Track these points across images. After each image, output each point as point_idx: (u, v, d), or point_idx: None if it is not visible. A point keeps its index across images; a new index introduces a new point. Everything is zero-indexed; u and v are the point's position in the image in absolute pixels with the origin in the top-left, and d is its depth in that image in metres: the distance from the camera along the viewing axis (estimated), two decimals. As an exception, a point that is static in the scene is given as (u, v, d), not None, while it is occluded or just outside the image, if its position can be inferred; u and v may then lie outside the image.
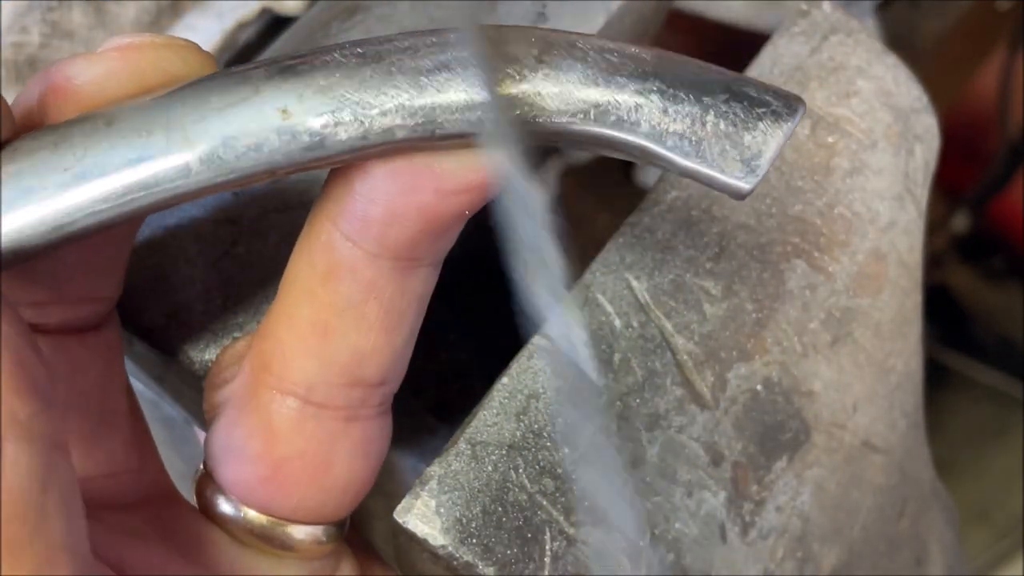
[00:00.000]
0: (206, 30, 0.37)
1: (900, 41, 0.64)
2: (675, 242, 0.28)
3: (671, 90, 0.20)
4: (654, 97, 0.20)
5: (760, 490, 0.27)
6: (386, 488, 0.42)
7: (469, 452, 0.25)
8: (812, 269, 0.29)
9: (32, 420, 0.17)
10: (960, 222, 1.04)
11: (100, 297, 0.23)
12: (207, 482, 0.25)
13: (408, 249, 0.22)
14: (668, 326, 0.27)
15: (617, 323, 0.27)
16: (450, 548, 0.24)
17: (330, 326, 0.23)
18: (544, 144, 0.21)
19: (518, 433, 0.25)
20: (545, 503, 0.25)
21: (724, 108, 0.20)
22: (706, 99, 0.20)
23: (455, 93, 0.20)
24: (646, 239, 0.28)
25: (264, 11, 0.38)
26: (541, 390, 0.26)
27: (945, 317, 1.08)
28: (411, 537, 0.24)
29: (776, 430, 0.28)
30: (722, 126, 0.20)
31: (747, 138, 0.20)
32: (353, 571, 0.26)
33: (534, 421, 0.25)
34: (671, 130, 0.20)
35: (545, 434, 0.25)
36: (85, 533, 0.19)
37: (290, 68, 0.20)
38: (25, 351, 0.18)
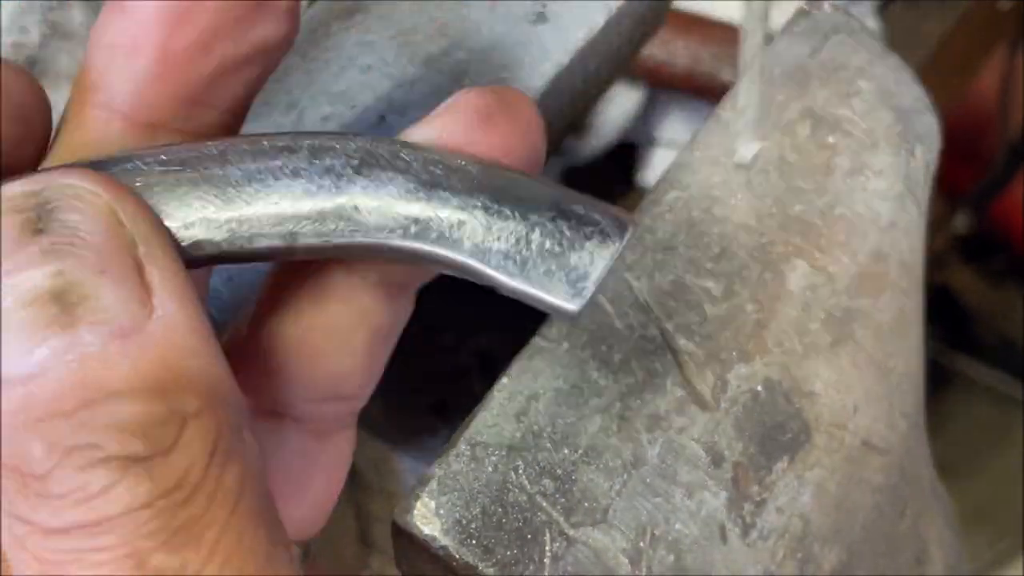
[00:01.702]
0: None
1: (901, 41, 0.64)
2: (676, 242, 0.28)
3: (496, 206, 0.20)
4: (478, 213, 0.19)
5: (760, 491, 0.27)
6: (387, 489, 0.42)
7: (469, 453, 0.25)
8: (813, 269, 0.29)
9: (244, 415, 0.19)
10: (961, 222, 1.04)
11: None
12: None
13: (408, 279, 0.22)
14: (668, 326, 0.27)
15: (617, 323, 0.27)
16: (450, 549, 0.24)
17: (317, 349, 0.23)
18: (361, 259, 0.21)
19: (518, 434, 0.25)
20: (545, 504, 0.25)
21: (550, 226, 0.19)
22: (532, 216, 0.20)
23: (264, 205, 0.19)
24: (646, 239, 0.28)
25: (264, 11, 0.37)
26: (541, 391, 0.26)
27: (946, 317, 1.08)
28: (411, 538, 0.24)
29: (777, 431, 0.28)
30: (547, 245, 0.19)
31: (573, 258, 0.19)
32: None
33: (534, 422, 0.25)
34: (495, 248, 0.19)
35: (545, 435, 0.25)
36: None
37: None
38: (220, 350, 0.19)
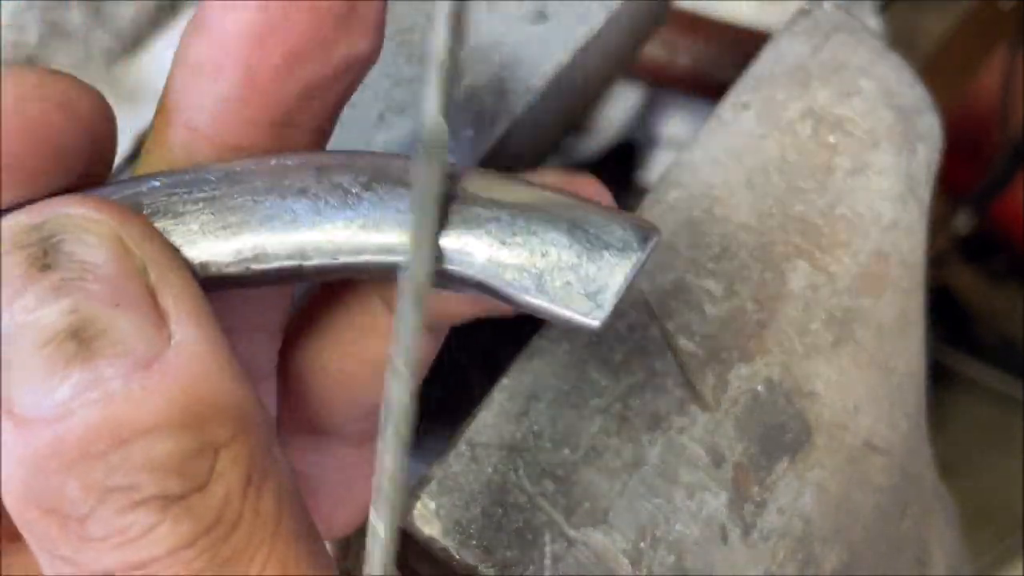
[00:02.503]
0: (206, 29, 0.37)
1: (902, 41, 0.64)
2: (676, 242, 0.28)
3: (510, 219, 0.19)
4: (491, 227, 0.18)
5: (761, 491, 0.27)
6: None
7: (469, 454, 0.25)
8: (814, 269, 0.29)
9: (274, 432, 0.19)
10: (962, 222, 1.04)
11: (268, 328, 0.23)
12: None
13: (450, 322, 0.23)
14: (669, 326, 0.27)
15: (617, 323, 0.27)
16: (451, 550, 0.24)
17: (356, 379, 0.23)
18: (372, 279, 0.20)
19: (518, 434, 0.25)
20: (545, 505, 0.25)
21: (566, 239, 0.19)
22: (548, 229, 0.19)
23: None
24: (647, 239, 0.28)
25: (264, 10, 0.37)
26: (541, 391, 0.26)
27: (947, 317, 1.08)
28: (411, 539, 0.24)
29: (777, 431, 0.28)
30: (564, 257, 0.18)
31: (591, 270, 0.18)
32: None
33: (534, 422, 0.25)
34: (509, 263, 0.18)
35: (545, 435, 0.25)
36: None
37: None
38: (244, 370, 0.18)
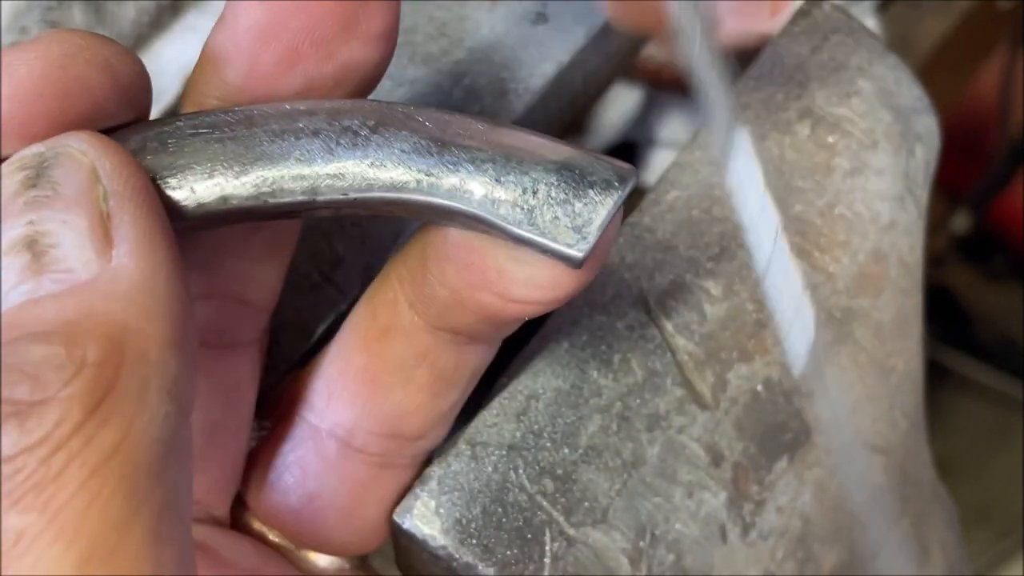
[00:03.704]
0: (205, 30, 0.37)
1: (901, 41, 0.64)
2: (676, 242, 0.28)
3: (504, 160, 0.20)
4: (487, 167, 0.20)
5: (761, 491, 0.27)
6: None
7: (469, 453, 0.25)
8: (813, 269, 0.29)
9: (177, 381, 0.18)
10: (961, 222, 1.04)
11: (250, 301, 0.23)
12: (236, 502, 0.25)
13: (467, 331, 0.22)
14: (668, 326, 0.27)
15: (617, 323, 0.27)
16: (450, 549, 0.24)
17: (379, 379, 0.23)
18: (378, 213, 0.21)
19: (518, 434, 0.25)
20: (545, 504, 0.25)
21: (555, 178, 0.20)
22: (539, 169, 0.20)
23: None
24: (646, 239, 0.28)
25: (264, 11, 0.37)
26: (541, 390, 0.26)
27: (946, 317, 1.08)
28: (411, 538, 0.24)
29: (777, 430, 0.28)
30: (553, 194, 0.20)
31: (578, 206, 0.20)
32: None
33: (534, 421, 0.25)
34: (503, 199, 0.20)
35: (545, 434, 0.25)
36: (191, 506, 0.19)
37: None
38: (186, 312, 0.19)
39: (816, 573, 0.28)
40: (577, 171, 0.21)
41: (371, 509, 0.25)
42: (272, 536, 0.25)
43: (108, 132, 0.20)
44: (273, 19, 0.21)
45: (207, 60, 0.22)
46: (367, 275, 0.28)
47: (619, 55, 0.34)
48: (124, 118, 0.21)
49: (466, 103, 0.30)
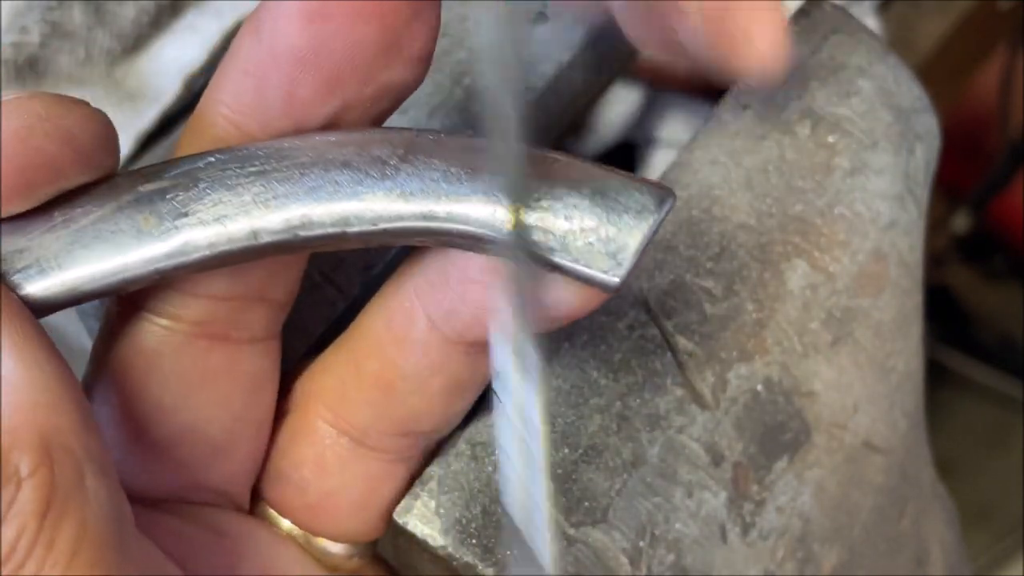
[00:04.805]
0: (205, 29, 0.37)
1: (901, 41, 0.64)
2: (675, 242, 0.28)
3: (536, 185, 0.20)
4: (519, 193, 0.20)
5: (760, 490, 0.27)
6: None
7: (469, 452, 0.25)
8: (813, 269, 0.29)
9: (101, 455, 0.19)
10: (961, 222, 1.04)
11: (271, 299, 0.23)
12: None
13: (484, 343, 0.22)
14: (668, 326, 0.27)
15: (617, 323, 0.27)
16: (450, 549, 0.24)
17: (393, 385, 0.23)
18: (409, 243, 0.21)
19: (518, 433, 0.25)
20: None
21: (588, 203, 0.20)
22: (572, 195, 0.20)
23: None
24: (646, 239, 0.28)
25: (264, 11, 0.37)
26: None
27: (946, 317, 1.08)
28: (411, 538, 0.24)
29: (777, 430, 0.28)
30: (587, 221, 0.20)
31: (612, 232, 0.20)
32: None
33: (534, 421, 0.25)
34: (536, 226, 0.20)
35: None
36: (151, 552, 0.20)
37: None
38: (77, 386, 0.19)
39: (816, 573, 0.28)
40: (611, 196, 0.20)
41: (384, 499, 0.25)
42: (285, 523, 0.25)
43: (145, 170, 0.20)
44: (315, 43, 0.20)
45: (240, 72, 0.21)
46: (367, 275, 0.28)
47: (619, 55, 0.34)
48: (87, 180, 0.20)
49: (466, 103, 0.30)
